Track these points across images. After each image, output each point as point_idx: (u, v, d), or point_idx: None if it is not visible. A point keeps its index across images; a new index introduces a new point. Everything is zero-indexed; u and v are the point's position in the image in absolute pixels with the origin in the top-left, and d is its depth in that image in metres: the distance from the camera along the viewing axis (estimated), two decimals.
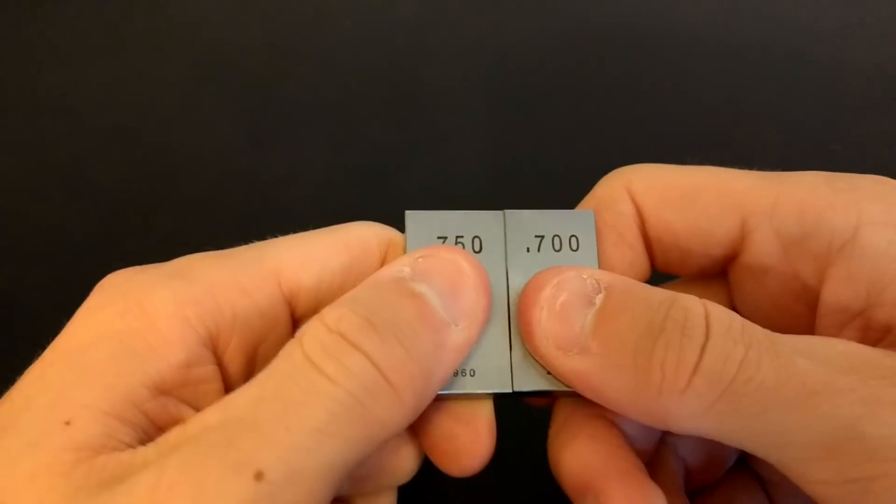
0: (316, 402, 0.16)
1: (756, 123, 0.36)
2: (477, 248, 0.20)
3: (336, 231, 0.21)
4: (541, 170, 0.36)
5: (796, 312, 0.20)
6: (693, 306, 0.17)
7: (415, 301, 0.18)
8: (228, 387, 0.19)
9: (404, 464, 0.21)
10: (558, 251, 0.20)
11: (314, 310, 0.19)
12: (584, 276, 0.19)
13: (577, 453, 0.19)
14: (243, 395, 0.16)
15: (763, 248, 0.20)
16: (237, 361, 0.19)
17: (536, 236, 0.20)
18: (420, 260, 0.19)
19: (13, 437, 0.16)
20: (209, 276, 0.19)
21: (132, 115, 0.37)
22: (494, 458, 0.20)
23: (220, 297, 0.18)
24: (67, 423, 0.16)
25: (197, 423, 0.16)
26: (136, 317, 0.17)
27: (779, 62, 0.38)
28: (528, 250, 0.20)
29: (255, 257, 0.20)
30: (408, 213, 0.20)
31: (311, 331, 0.17)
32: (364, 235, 0.21)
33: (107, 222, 0.35)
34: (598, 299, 0.18)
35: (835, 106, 0.37)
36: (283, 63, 0.38)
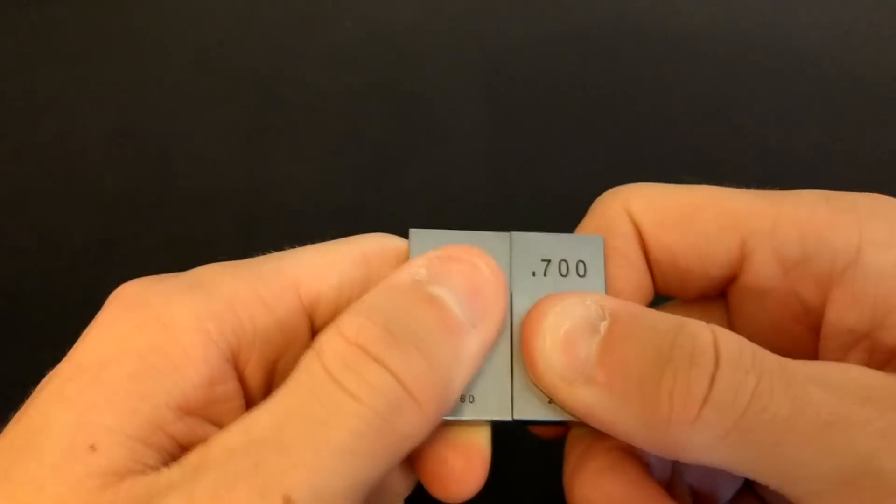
0: (342, 422, 0.15)
1: (757, 125, 0.36)
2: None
3: (353, 242, 0.20)
4: (540, 170, 0.36)
5: (797, 334, 0.20)
6: (701, 333, 0.16)
7: (433, 306, 0.17)
8: (249, 402, 0.19)
9: (396, 486, 0.20)
10: (565, 276, 0.20)
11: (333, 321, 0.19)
12: (588, 303, 0.18)
13: (602, 487, 0.19)
14: (265, 413, 0.16)
15: (763, 270, 0.20)
16: (257, 376, 0.19)
17: (543, 260, 0.20)
18: (436, 261, 0.18)
19: (35, 460, 0.16)
20: (229, 289, 0.18)
21: (132, 115, 0.37)
22: (495, 482, 0.19)
23: (240, 311, 0.18)
24: (92, 448, 0.15)
25: (220, 444, 0.16)
26: (157, 331, 0.17)
27: (780, 63, 0.38)
28: (533, 274, 0.20)
29: (274, 269, 0.19)
30: (412, 231, 0.20)
31: (330, 343, 0.16)
32: (383, 246, 0.20)
33: (107, 222, 0.35)
34: (603, 327, 0.17)
35: (835, 106, 0.37)
36: (283, 63, 0.38)
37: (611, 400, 0.17)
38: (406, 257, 0.20)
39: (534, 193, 0.35)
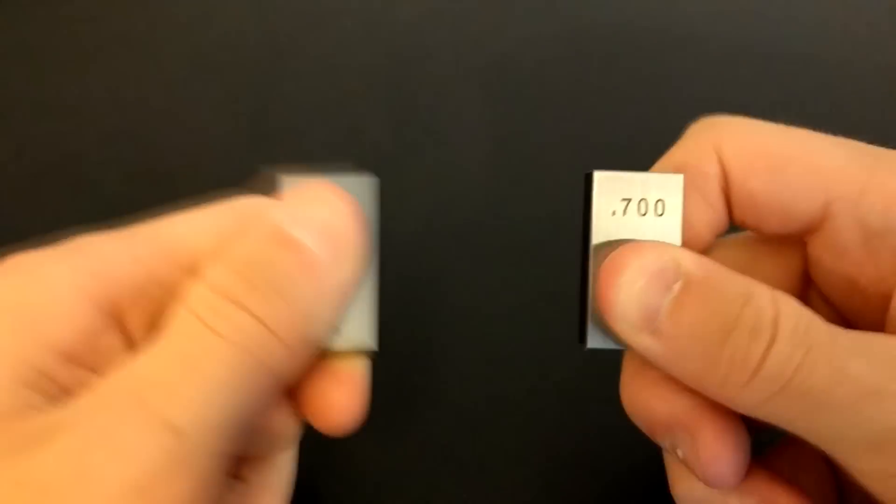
0: (216, 359, 0.17)
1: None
2: None
3: (224, 204, 0.21)
4: (541, 170, 0.36)
5: (871, 295, 0.21)
6: (766, 307, 0.18)
7: (291, 249, 0.18)
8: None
9: (281, 427, 0.21)
10: (643, 215, 0.20)
11: None
12: (665, 258, 0.19)
13: (660, 393, 0.20)
14: (144, 356, 0.17)
15: (843, 234, 0.20)
16: (141, 331, 0.20)
17: (623, 199, 0.20)
18: (294, 203, 0.19)
19: None
20: (104, 249, 0.19)
21: (132, 115, 0.37)
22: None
23: (117, 269, 0.19)
24: None
25: (105, 384, 0.17)
26: (32, 287, 0.18)
27: (780, 63, 0.38)
28: (613, 214, 0.20)
29: (150, 230, 0.20)
30: (283, 178, 0.20)
31: (195, 293, 0.18)
32: (254, 204, 0.21)
33: (107, 222, 0.35)
34: (676, 287, 0.18)
35: (834, 106, 0.37)
36: (283, 63, 0.38)
37: (674, 353, 0.19)
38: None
39: (534, 193, 0.35)
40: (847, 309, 0.22)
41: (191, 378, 0.16)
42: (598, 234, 0.20)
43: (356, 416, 0.20)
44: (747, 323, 0.17)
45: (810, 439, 0.18)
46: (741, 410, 0.18)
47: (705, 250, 0.22)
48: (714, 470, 0.20)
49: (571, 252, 0.34)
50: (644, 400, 0.21)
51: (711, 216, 0.21)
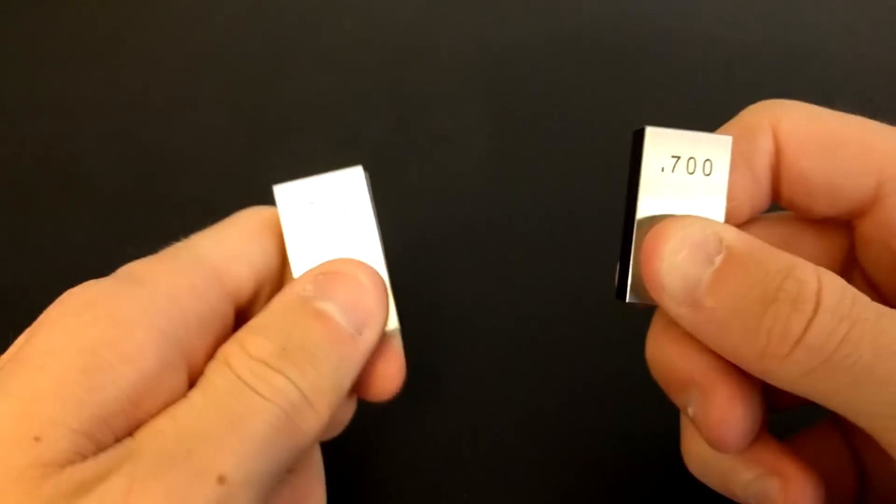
0: (258, 417, 0.18)
1: None
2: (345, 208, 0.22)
3: (237, 220, 0.22)
4: (541, 170, 0.36)
5: None
6: (808, 279, 0.18)
7: (320, 320, 0.20)
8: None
9: (344, 414, 0.23)
10: (691, 173, 0.21)
11: (253, 297, 0.22)
12: (708, 232, 0.19)
13: (682, 351, 0.21)
14: (188, 408, 0.18)
15: (893, 214, 0.20)
16: (201, 362, 0.20)
17: (673, 156, 0.21)
18: (321, 277, 0.20)
19: None
20: (168, 283, 0.19)
21: (131, 115, 0.37)
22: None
23: (182, 304, 0.19)
24: (37, 440, 0.16)
25: (152, 431, 0.17)
26: (107, 326, 0.18)
27: (780, 63, 0.38)
28: (662, 170, 0.21)
29: (194, 259, 0.21)
30: (276, 188, 0.21)
31: (235, 356, 0.19)
32: (262, 217, 0.22)
33: (107, 222, 0.35)
34: (718, 259, 0.19)
35: (835, 106, 0.37)
36: (283, 63, 0.38)
37: (714, 325, 0.19)
38: (275, 222, 0.22)
39: (534, 193, 0.35)
40: (893, 292, 0.21)
41: (236, 432, 0.17)
42: (647, 190, 0.21)
43: (401, 382, 0.22)
44: (789, 294, 0.17)
45: (848, 414, 0.18)
46: (779, 384, 0.18)
47: (744, 224, 0.22)
48: (719, 433, 0.20)
49: (571, 252, 0.34)
50: (666, 355, 0.21)
51: (754, 190, 0.22)
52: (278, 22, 0.39)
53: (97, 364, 0.17)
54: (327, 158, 0.36)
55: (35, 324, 0.19)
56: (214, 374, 0.19)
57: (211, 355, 0.20)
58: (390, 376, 0.22)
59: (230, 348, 0.19)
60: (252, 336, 0.19)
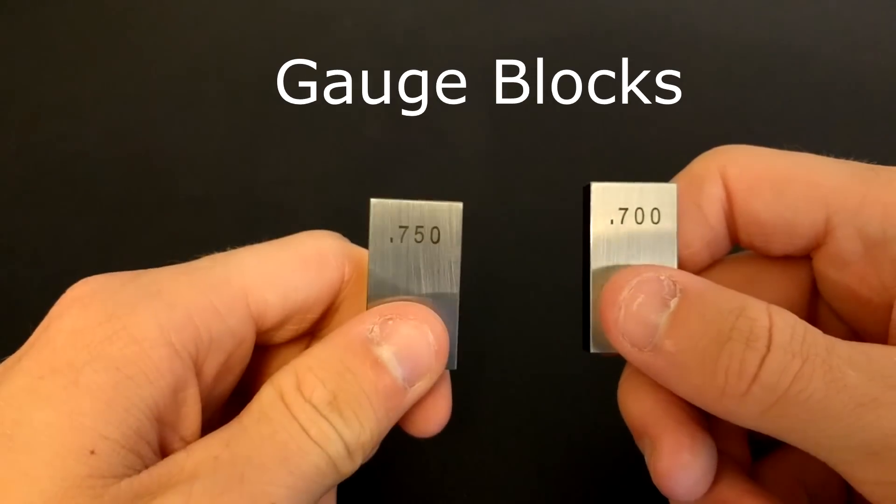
0: (308, 457, 0.19)
1: (758, 125, 0.36)
2: (435, 239, 0.21)
3: (293, 243, 0.22)
4: (541, 170, 0.36)
5: (876, 305, 0.21)
6: (759, 317, 0.18)
7: (375, 370, 0.20)
8: (203, 403, 0.21)
9: None
10: (640, 223, 0.21)
11: (279, 325, 0.22)
12: (662, 278, 0.20)
13: (640, 400, 0.21)
14: (243, 435, 0.19)
15: (845, 245, 0.21)
16: (211, 380, 0.21)
17: (620, 209, 0.21)
18: (388, 322, 0.20)
19: (25, 454, 0.17)
20: (187, 300, 0.20)
21: (132, 115, 0.37)
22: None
23: (198, 322, 0.20)
24: (93, 453, 0.17)
25: (205, 452, 0.18)
26: (127, 343, 0.18)
27: (782, 62, 0.38)
28: (611, 222, 0.21)
29: (224, 277, 0.21)
30: (373, 201, 0.21)
31: (290, 395, 0.19)
32: (320, 248, 0.22)
33: (107, 222, 0.35)
34: (674, 303, 0.19)
35: (834, 106, 0.37)
36: (283, 63, 0.38)
37: (675, 368, 0.19)
38: (344, 259, 0.22)
39: (534, 193, 0.35)
40: (854, 321, 0.22)
41: (287, 467, 0.18)
42: (598, 243, 0.21)
43: (444, 423, 0.22)
44: (742, 333, 0.18)
45: (809, 449, 0.18)
46: (742, 423, 0.18)
47: (704, 269, 0.23)
48: (666, 483, 0.20)
49: (571, 251, 0.34)
50: (626, 403, 0.22)
51: (710, 236, 0.22)
52: (278, 22, 0.39)
53: (124, 382, 0.18)
54: (327, 158, 0.36)
55: (51, 320, 0.19)
56: (269, 407, 0.19)
57: (224, 371, 0.21)
58: (435, 417, 0.22)
59: (286, 381, 0.20)
60: (308, 374, 0.20)
